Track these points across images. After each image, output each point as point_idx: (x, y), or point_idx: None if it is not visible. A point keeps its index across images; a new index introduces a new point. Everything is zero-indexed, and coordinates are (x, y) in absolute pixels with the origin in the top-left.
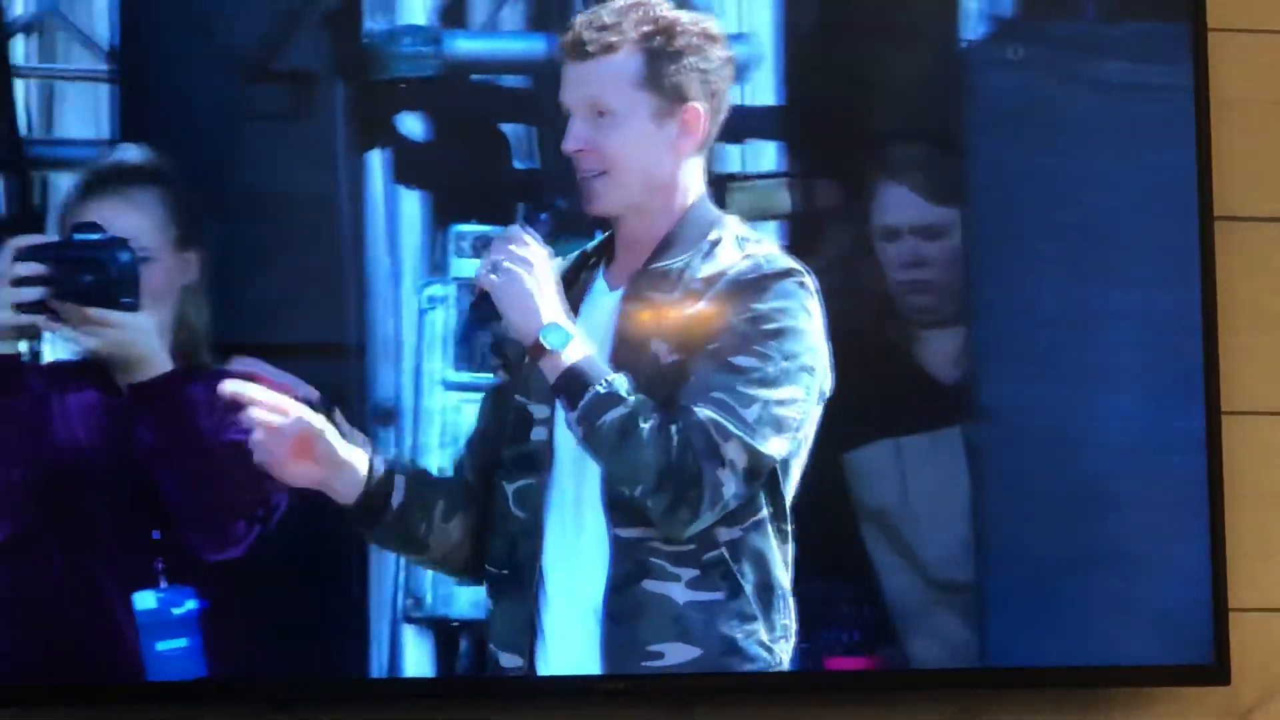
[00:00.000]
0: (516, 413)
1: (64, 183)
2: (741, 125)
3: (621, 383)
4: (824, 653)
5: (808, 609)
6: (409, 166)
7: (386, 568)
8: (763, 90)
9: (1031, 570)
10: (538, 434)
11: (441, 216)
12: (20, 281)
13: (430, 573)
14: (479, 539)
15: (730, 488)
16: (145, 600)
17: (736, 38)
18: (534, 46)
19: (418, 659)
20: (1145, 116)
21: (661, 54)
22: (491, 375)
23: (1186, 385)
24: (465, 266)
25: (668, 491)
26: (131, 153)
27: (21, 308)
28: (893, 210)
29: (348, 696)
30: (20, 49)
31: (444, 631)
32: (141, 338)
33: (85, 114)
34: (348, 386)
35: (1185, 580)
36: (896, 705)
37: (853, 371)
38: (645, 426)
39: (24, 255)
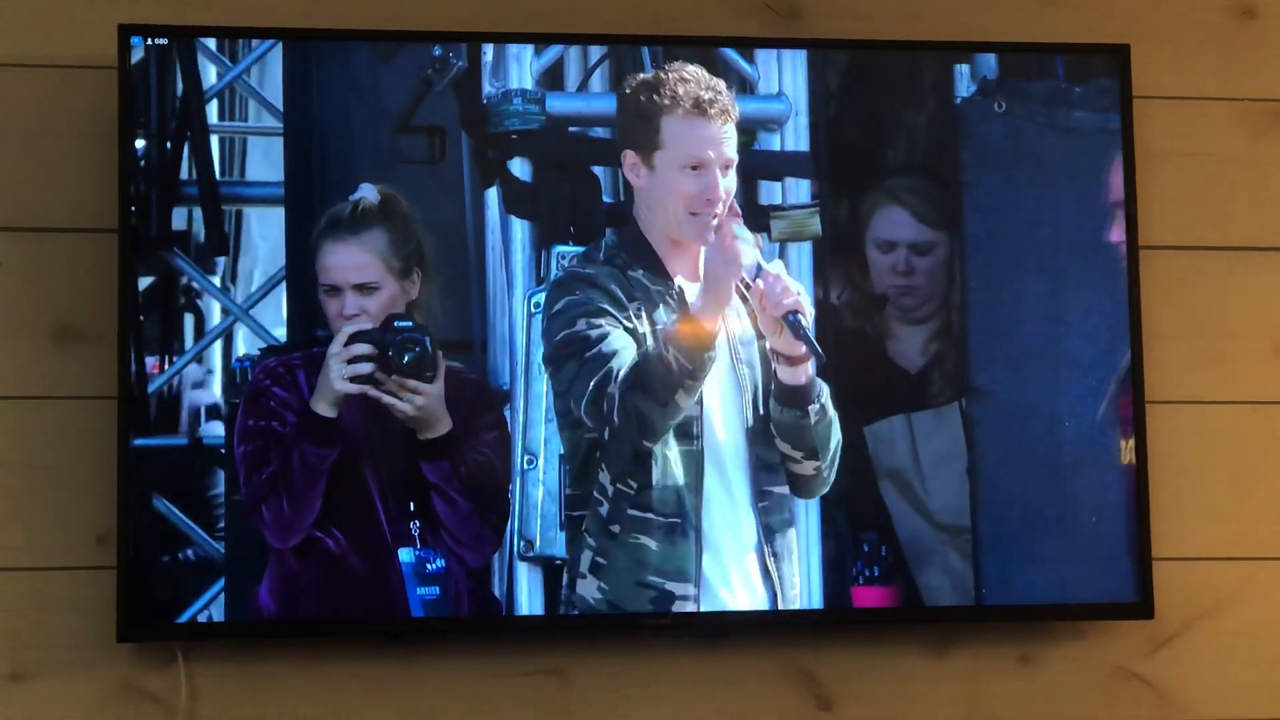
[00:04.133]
0: None
1: (254, 215)
2: (781, 166)
3: None
4: (850, 584)
5: (838, 549)
6: (518, 200)
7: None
8: (800, 137)
9: (1006, 522)
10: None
11: (544, 239)
12: (355, 359)
13: (540, 519)
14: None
15: None
16: (406, 555)
17: (777, 97)
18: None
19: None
20: (1100, 157)
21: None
22: None
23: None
24: None
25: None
26: (368, 192)
27: (355, 379)
28: (892, 228)
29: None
30: (214, 110)
31: (550, 569)
32: (437, 404)
33: (264, 161)
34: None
35: (1118, 534)
36: (879, 636)
37: (859, 361)
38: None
39: (357, 338)
